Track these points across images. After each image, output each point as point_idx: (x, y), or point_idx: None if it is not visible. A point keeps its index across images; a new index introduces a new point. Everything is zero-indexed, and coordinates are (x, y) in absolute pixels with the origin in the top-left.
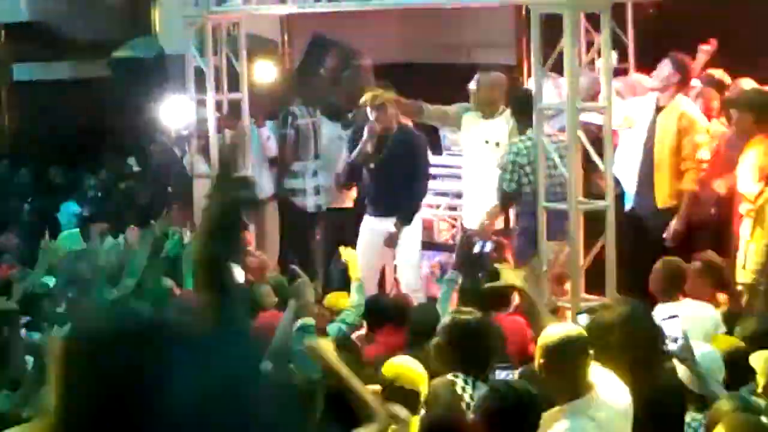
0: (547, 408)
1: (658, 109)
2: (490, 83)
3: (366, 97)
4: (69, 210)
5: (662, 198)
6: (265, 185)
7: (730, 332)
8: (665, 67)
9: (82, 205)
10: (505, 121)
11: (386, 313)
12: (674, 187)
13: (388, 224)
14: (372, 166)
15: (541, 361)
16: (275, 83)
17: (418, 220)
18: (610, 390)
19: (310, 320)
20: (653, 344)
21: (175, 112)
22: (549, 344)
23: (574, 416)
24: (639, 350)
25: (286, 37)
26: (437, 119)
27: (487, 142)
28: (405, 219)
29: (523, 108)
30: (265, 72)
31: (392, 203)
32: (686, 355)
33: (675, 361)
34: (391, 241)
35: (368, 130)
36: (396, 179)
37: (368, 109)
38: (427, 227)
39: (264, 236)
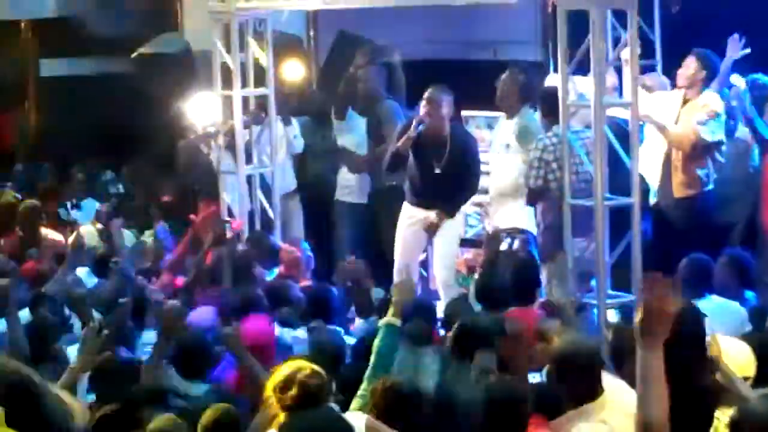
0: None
1: (685, 103)
2: (503, 82)
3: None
4: (91, 206)
5: (678, 187)
6: (290, 180)
7: (756, 329)
8: (691, 64)
9: (103, 201)
10: (516, 121)
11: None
12: (689, 175)
13: (430, 214)
14: (413, 158)
15: (551, 368)
16: (303, 80)
17: (461, 215)
18: (624, 394)
19: (395, 321)
20: (701, 342)
21: (201, 109)
22: (557, 352)
23: (586, 420)
24: (685, 348)
25: (311, 34)
26: None
27: (501, 143)
28: (449, 212)
29: (550, 105)
30: (293, 70)
31: (439, 197)
32: (713, 352)
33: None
34: (433, 229)
35: (416, 122)
36: (449, 177)
37: (422, 103)
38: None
39: (290, 230)
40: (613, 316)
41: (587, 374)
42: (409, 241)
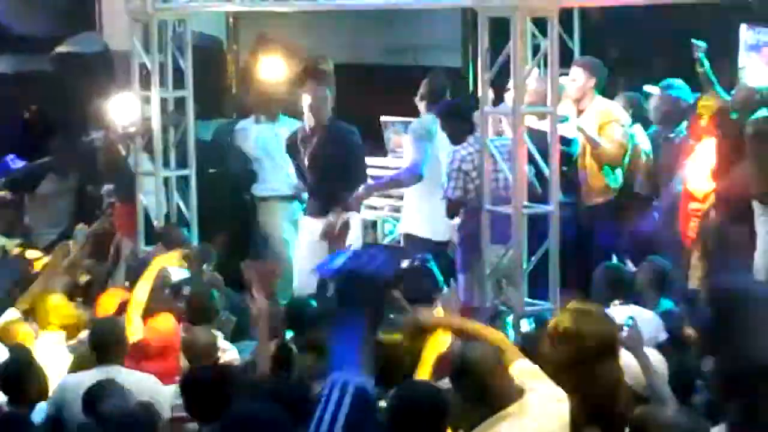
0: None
1: (580, 113)
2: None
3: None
4: None
5: (588, 195)
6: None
7: (672, 339)
8: (578, 75)
9: None
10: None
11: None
12: (598, 183)
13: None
14: (306, 163)
15: (451, 380)
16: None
17: (357, 223)
18: (543, 394)
19: None
20: (612, 347)
21: (120, 109)
22: (453, 362)
23: (509, 423)
24: (599, 355)
25: (232, 35)
26: None
27: None
28: (343, 206)
29: (452, 118)
30: (274, 68)
31: (327, 200)
32: (634, 343)
33: (623, 361)
34: (331, 229)
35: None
36: (329, 176)
37: (305, 103)
38: (371, 229)
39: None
40: (526, 325)
41: (487, 381)
42: (312, 253)
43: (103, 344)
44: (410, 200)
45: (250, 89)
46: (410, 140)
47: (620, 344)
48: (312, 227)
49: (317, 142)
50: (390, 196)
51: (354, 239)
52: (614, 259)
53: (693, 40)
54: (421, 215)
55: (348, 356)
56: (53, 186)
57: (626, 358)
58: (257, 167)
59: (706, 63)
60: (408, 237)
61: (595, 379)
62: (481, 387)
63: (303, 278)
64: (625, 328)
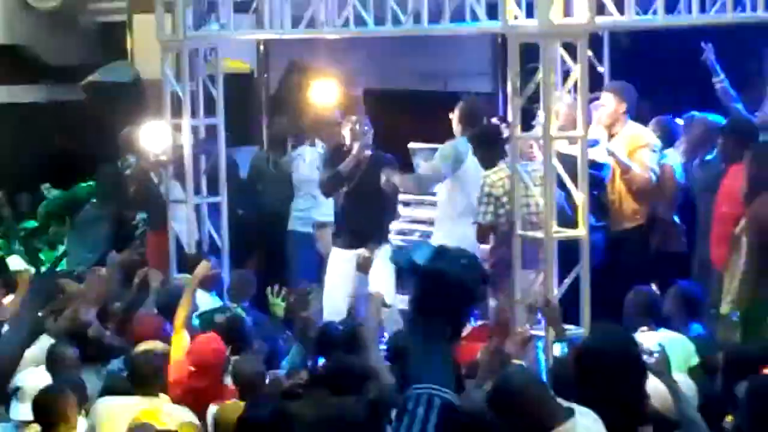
0: None
1: (611, 137)
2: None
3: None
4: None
5: (619, 221)
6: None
7: (704, 363)
8: (609, 101)
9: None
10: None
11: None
12: (628, 207)
13: (360, 252)
14: (343, 191)
15: (495, 408)
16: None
17: (389, 249)
18: (583, 413)
19: None
20: (634, 367)
21: (151, 137)
22: (494, 390)
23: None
24: (620, 373)
25: (262, 63)
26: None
27: None
28: (378, 240)
29: (483, 143)
30: (326, 92)
31: (361, 234)
32: (662, 368)
33: (650, 386)
34: (366, 265)
35: (360, 145)
36: (366, 209)
37: (350, 126)
38: None
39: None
40: (558, 350)
41: (524, 407)
42: (346, 283)
43: (140, 377)
44: (441, 222)
45: (304, 113)
46: (435, 157)
47: (647, 369)
48: (342, 258)
49: (359, 174)
50: (421, 222)
51: (388, 273)
52: (644, 284)
53: (702, 43)
54: (452, 238)
55: (430, 368)
56: (92, 212)
57: (654, 383)
58: (315, 191)
59: (722, 73)
60: None
61: (617, 398)
62: (525, 413)
63: (332, 308)
64: (655, 355)
